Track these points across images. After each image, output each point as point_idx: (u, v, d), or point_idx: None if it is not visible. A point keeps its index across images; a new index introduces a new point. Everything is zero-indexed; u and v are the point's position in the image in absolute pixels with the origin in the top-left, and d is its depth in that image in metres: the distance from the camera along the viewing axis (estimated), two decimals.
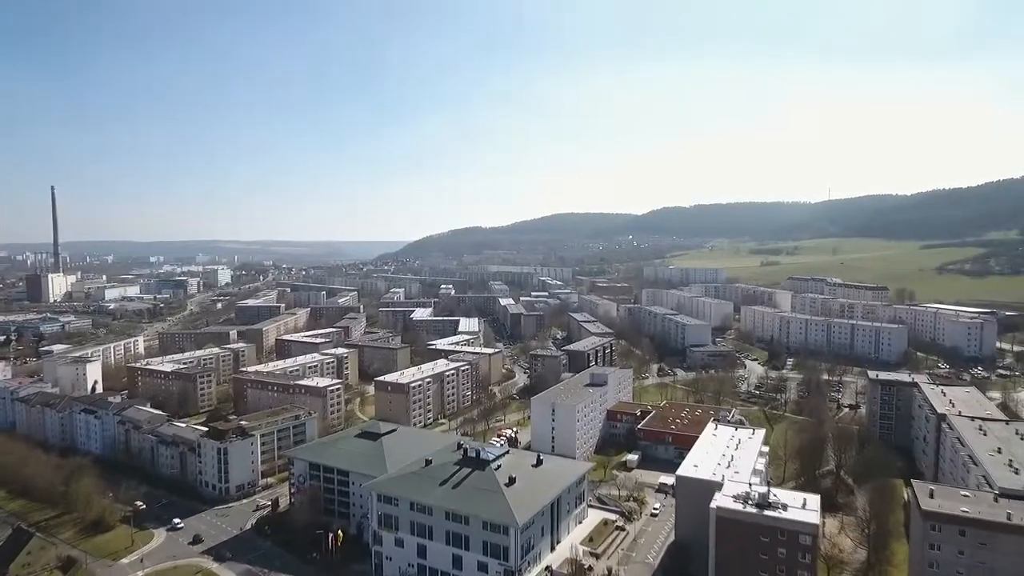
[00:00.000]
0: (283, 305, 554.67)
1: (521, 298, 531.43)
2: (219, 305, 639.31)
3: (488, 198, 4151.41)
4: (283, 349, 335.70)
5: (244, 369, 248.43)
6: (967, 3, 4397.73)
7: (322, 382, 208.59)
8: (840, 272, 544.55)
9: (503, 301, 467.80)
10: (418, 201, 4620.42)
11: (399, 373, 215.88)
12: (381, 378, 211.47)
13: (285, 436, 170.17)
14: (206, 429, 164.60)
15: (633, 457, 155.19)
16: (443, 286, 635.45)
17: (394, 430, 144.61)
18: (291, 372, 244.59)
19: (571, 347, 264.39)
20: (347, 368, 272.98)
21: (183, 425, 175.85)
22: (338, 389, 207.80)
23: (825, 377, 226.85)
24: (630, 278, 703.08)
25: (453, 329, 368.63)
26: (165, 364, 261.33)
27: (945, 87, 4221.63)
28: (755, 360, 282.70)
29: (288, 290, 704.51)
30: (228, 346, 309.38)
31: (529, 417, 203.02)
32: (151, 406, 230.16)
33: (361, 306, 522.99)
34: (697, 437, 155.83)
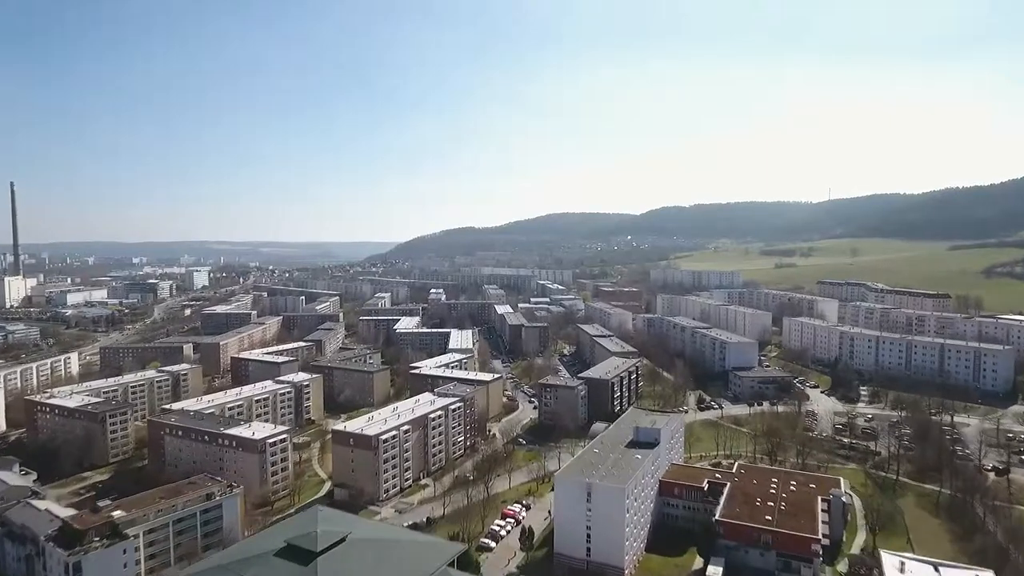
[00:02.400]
0: (255, 312, 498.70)
1: (520, 304, 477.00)
2: (187, 311, 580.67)
3: (482, 198, 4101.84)
4: (239, 370, 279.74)
5: (168, 407, 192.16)
6: (968, 2, 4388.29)
7: (261, 431, 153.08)
8: (866, 275, 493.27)
9: (500, 309, 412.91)
10: (411, 201, 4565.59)
11: (367, 418, 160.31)
12: (340, 426, 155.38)
13: (189, 529, 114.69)
14: (61, 521, 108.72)
15: (715, 570, 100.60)
16: (433, 290, 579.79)
17: (342, 540, 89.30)
18: (231, 408, 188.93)
19: (590, 374, 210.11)
20: (308, 399, 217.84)
21: (42, 508, 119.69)
22: (283, 441, 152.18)
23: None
24: (635, 281, 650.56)
25: (443, 344, 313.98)
26: (74, 396, 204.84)
27: (945, 86, 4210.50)
28: (815, 387, 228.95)
29: (265, 295, 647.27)
30: (167, 368, 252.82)
31: (545, 482, 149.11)
32: (48, 453, 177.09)
33: (341, 314, 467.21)
34: (812, 540, 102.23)
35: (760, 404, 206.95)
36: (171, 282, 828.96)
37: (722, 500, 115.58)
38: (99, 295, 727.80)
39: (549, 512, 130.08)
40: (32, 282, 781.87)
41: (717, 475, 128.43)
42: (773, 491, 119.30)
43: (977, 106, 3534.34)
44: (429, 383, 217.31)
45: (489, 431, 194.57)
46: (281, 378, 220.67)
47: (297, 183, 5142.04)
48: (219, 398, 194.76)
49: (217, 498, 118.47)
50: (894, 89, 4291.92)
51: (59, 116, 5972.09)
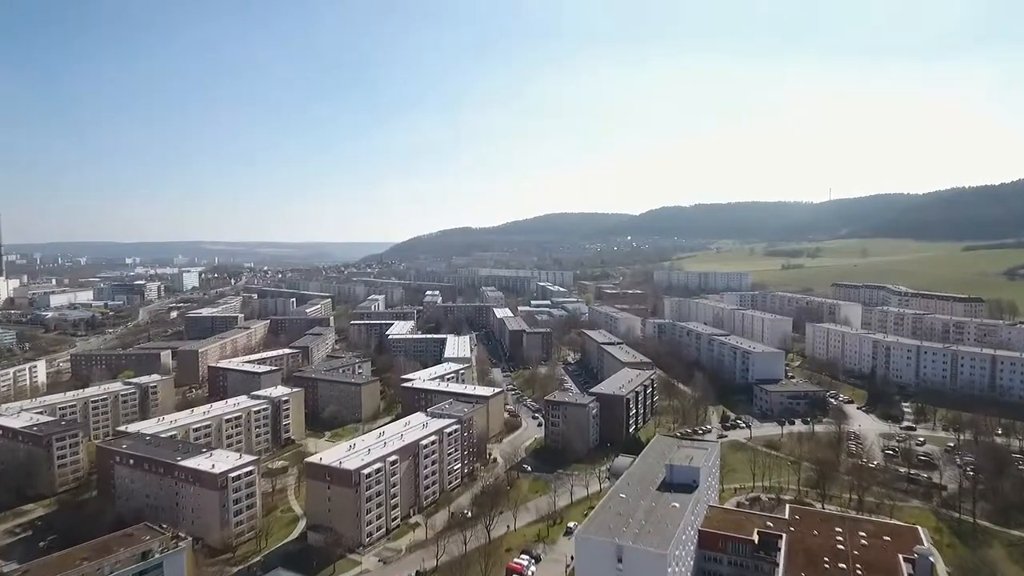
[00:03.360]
0: (241, 316, 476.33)
1: (519, 307, 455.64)
2: (173, 314, 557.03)
3: (479, 198, 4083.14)
4: (216, 381, 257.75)
5: (124, 428, 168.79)
6: (968, 2, 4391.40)
7: (224, 462, 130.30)
8: (879, 276, 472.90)
9: (499, 313, 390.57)
10: (409, 202, 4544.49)
11: (347, 446, 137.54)
12: (315, 458, 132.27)
13: None
14: None
15: None
16: (428, 292, 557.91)
17: None
18: (197, 430, 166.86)
19: (601, 389, 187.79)
20: (288, 417, 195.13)
21: None
22: (249, 474, 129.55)
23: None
24: (638, 283, 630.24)
25: (438, 351, 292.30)
26: (23, 413, 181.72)
27: (946, 86, 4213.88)
28: (850, 403, 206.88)
29: (255, 296, 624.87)
30: (133, 380, 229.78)
31: (556, 524, 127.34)
32: None
33: (331, 317, 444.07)
34: None
35: (791, 422, 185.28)
36: (159, 283, 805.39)
37: (781, 559, 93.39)
38: (84, 297, 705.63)
39: (568, 563, 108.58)
40: (15, 283, 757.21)
41: (768, 523, 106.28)
42: (841, 546, 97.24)
43: (978, 106, 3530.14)
44: (422, 399, 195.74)
45: (489, 455, 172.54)
46: (257, 393, 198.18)
47: (295, 183, 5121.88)
48: (183, 418, 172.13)
49: (157, 556, 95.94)
50: (894, 89, 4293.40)
51: (55, 115, 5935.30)
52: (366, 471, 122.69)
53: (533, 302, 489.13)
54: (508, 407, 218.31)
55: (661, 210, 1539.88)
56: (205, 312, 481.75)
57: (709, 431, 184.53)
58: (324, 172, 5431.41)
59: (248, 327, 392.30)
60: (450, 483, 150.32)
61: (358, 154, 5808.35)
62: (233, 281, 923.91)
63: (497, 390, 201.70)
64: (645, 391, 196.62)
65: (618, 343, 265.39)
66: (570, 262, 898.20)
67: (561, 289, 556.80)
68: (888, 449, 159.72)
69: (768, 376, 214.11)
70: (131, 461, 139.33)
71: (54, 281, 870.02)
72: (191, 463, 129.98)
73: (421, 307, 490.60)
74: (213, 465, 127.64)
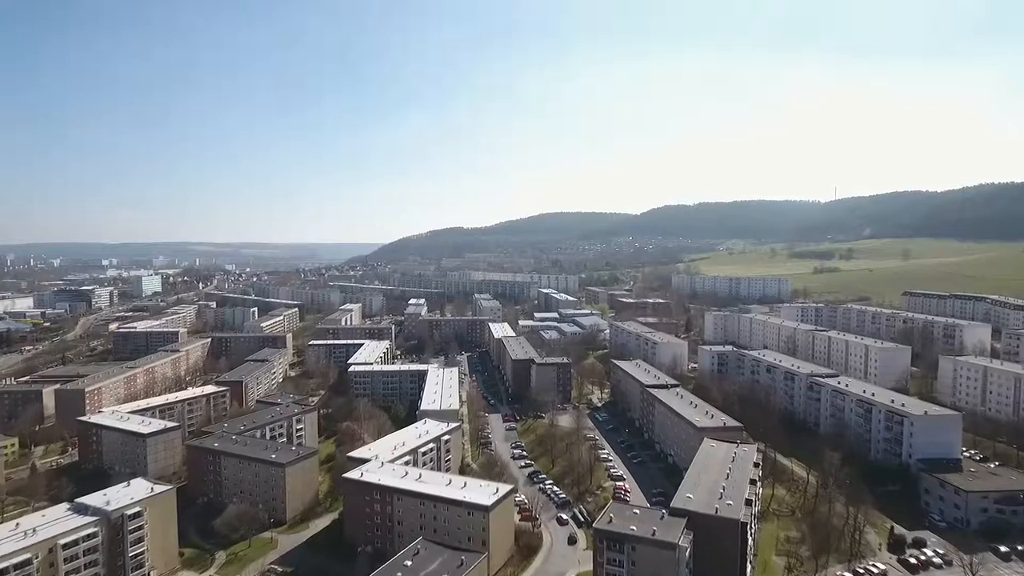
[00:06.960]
0: (185, 331, 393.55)
1: (520, 321, 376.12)
2: (112, 326, 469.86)
3: (471, 198, 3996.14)
4: (88, 442, 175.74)
5: None
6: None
7: None
8: (940, 282, 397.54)
9: (497, 331, 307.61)
10: (400, 201, 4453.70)
11: None
12: None
13: None
14: None
15: None
16: (412, 301, 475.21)
17: None
18: None
19: (689, 502, 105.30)
20: (142, 542, 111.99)
21: None
22: None
23: None
24: (653, 288, 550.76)
25: (416, 388, 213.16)
26: None
27: (950, 84, 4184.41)
28: None
29: (212, 305, 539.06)
30: None
31: None
32: None
33: (290, 335, 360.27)
34: None
35: (1018, 552, 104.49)
36: (113, 288, 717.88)
37: None
38: (24, 304, 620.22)
39: None
40: None
41: None
42: None
43: (990, 104, 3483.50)
44: (376, 503, 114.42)
45: None
46: (86, 500, 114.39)
47: (284, 183, 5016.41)
48: None
49: None
50: (896, 88, 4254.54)
51: (39, 114, 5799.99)
52: None
53: (537, 314, 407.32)
54: (519, 498, 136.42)
55: (663, 209, 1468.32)
56: (140, 327, 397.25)
57: (882, 574, 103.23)
58: (315, 172, 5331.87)
59: (179, 349, 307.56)
60: None
61: (350, 153, 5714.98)
62: (201, 285, 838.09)
63: (504, 490, 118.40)
64: (753, 487, 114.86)
65: (673, 386, 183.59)
66: (570, 264, 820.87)
67: (569, 298, 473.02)
68: None
69: (938, 455, 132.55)
70: None
71: None
72: None
73: (403, 318, 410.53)
74: None
